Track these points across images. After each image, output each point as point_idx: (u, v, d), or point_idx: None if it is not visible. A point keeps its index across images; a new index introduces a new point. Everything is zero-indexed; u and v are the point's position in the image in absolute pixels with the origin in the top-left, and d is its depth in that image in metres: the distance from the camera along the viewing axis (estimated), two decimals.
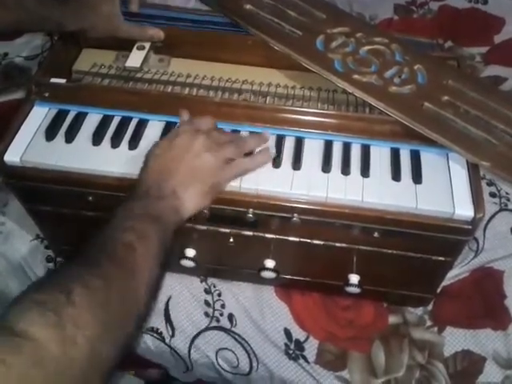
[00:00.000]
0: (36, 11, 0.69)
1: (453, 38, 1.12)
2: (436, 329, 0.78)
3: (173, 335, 0.79)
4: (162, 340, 0.79)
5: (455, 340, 0.77)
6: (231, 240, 0.70)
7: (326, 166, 0.64)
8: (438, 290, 0.78)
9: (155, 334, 0.79)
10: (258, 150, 0.65)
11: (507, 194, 0.91)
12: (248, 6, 0.78)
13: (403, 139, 0.66)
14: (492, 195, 0.90)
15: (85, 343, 0.40)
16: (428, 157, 0.65)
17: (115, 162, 0.65)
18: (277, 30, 0.75)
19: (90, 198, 0.67)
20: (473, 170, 0.64)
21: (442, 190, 0.62)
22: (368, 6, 1.20)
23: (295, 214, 0.63)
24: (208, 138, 0.61)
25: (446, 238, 0.63)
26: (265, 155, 0.64)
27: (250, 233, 0.69)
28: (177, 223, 0.57)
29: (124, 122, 0.68)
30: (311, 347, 0.77)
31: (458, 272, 0.82)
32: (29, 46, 1.13)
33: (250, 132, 0.67)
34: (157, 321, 0.80)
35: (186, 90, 0.73)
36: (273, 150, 0.65)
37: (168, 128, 0.68)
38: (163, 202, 0.56)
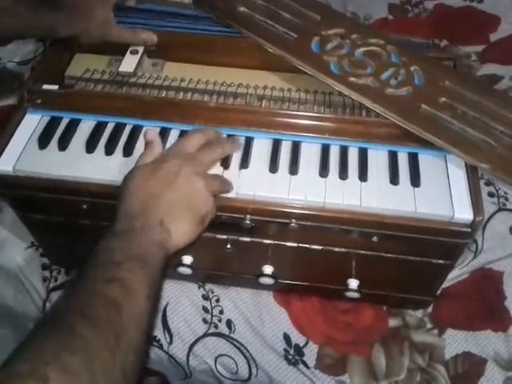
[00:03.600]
0: (28, 18, 0.68)
1: (448, 36, 1.12)
2: (436, 331, 0.78)
3: (171, 342, 0.79)
4: (160, 347, 0.79)
5: (456, 342, 0.77)
6: (228, 246, 0.69)
7: (324, 171, 0.63)
8: (438, 292, 0.78)
9: (153, 342, 0.79)
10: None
11: (506, 193, 0.90)
12: (242, 9, 0.77)
13: (401, 142, 0.65)
14: (490, 195, 0.90)
15: None
16: (426, 159, 0.65)
17: (110, 169, 0.64)
18: (271, 33, 0.74)
19: (85, 206, 0.66)
20: (471, 171, 0.63)
21: (441, 192, 0.62)
22: (362, 6, 1.20)
23: (293, 220, 0.63)
24: (196, 165, 0.57)
25: (446, 241, 0.62)
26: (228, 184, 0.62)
27: (248, 239, 0.68)
28: (163, 260, 0.52)
29: (118, 129, 0.67)
30: (311, 352, 0.77)
31: (457, 273, 0.81)
32: (21, 50, 1.12)
33: (246, 137, 0.66)
34: (155, 328, 0.79)
35: (181, 95, 0.72)
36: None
37: (163, 133, 0.67)
38: (148, 236, 0.51)
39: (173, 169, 0.55)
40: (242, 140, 0.66)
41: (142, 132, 0.67)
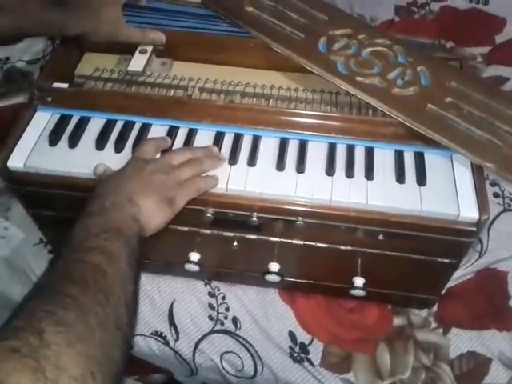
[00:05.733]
0: (37, 16, 0.68)
1: (454, 38, 1.12)
2: (441, 330, 0.78)
3: (177, 339, 0.79)
4: (167, 344, 0.79)
5: (460, 341, 0.77)
6: (235, 244, 0.70)
7: (330, 169, 0.64)
8: (443, 292, 0.78)
9: (159, 338, 0.79)
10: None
11: (511, 194, 0.91)
12: (249, 9, 0.78)
13: (407, 141, 0.66)
14: (496, 196, 0.90)
15: None
16: (432, 158, 0.65)
17: (119, 166, 0.64)
18: (279, 33, 0.75)
19: None
20: (477, 171, 0.64)
21: (447, 191, 0.62)
22: (368, 8, 1.20)
23: (299, 218, 0.63)
24: (159, 164, 0.61)
25: (451, 240, 0.62)
26: (214, 179, 0.63)
27: (254, 236, 0.69)
28: (138, 233, 0.55)
29: (127, 127, 0.68)
30: (316, 350, 0.77)
31: (462, 273, 0.82)
32: (30, 49, 1.13)
33: (254, 136, 0.67)
34: (161, 325, 0.80)
35: (189, 94, 0.73)
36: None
37: (171, 132, 0.68)
38: (120, 211, 0.54)
39: (139, 165, 0.60)
40: (249, 140, 0.67)
41: (151, 130, 0.68)
